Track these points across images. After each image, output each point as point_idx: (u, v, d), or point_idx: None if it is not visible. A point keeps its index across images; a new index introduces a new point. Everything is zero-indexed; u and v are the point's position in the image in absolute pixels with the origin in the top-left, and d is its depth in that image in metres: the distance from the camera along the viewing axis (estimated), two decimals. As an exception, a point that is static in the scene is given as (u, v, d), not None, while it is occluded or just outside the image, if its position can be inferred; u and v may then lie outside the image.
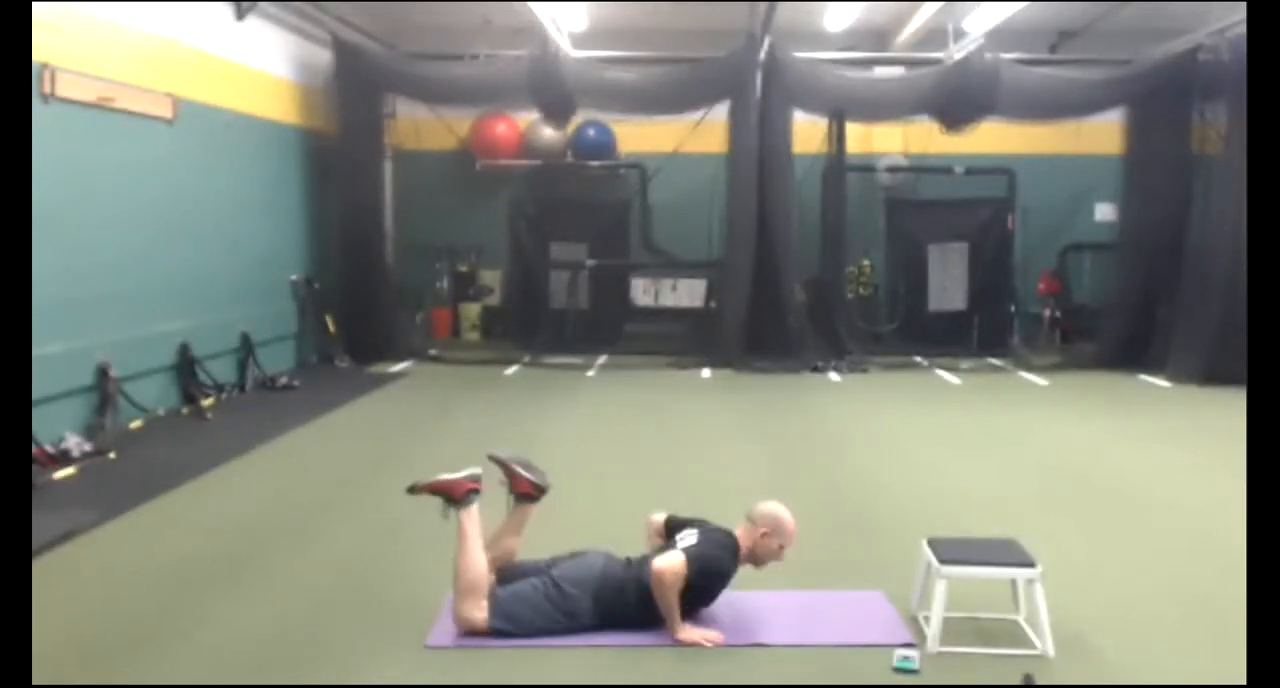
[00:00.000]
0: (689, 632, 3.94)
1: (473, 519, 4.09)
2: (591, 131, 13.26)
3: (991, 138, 12.24)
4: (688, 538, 4.11)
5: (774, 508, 4.17)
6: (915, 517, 5.58)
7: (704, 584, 4.01)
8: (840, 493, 6.21)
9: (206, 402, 8.65)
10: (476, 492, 4.14)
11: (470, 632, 3.94)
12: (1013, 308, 12.98)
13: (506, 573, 4.14)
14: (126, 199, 8.03)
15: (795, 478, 6.51)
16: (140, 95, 8.16)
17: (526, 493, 4.25)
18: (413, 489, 4.17)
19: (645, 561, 4.10)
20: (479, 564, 4.01)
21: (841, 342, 11.77)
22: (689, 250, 13.17)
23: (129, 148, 8.05)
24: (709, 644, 3.89)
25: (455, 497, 4.11)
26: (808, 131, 11.98)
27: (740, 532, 4.15)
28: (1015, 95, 11.42)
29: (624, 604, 4.00)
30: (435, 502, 4.15)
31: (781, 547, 4.12)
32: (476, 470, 4.20)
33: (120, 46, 7.93)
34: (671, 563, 3.94)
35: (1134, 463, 7.10)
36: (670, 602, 3.92)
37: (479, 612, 3.94)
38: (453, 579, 4.01)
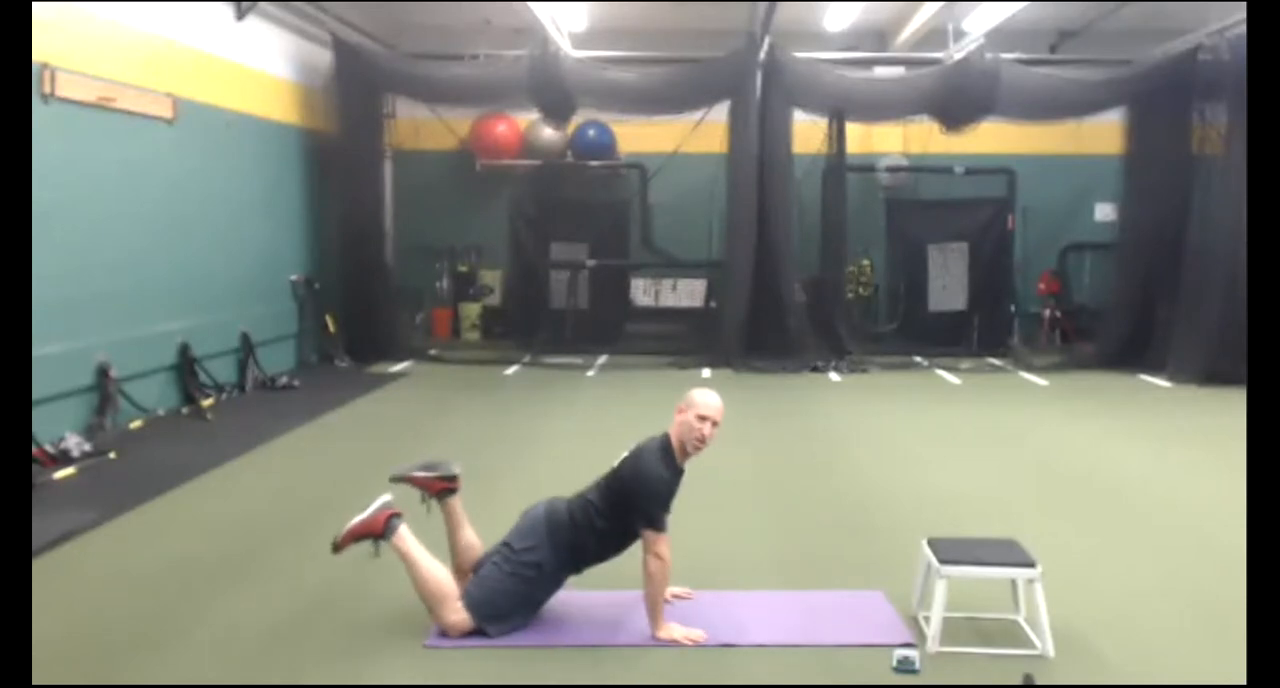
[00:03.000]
0: (670, 630, 3.94)
1: (406, 540, 4.03)
2: (591, 131, 13.26)
3: (991, 138, 12.25)
4: (619, 460, 4.07)
5: (695, 389, 4.11)
6: (915, 516, 5.59)
7: (656, 500, 3.92)
8: (840, 493, 6.20)
9: (206, 402, 8.65)
10: (397, 516, 4.08)
11: (458, 634, 3.93)
12: (1013, 308, 12.99)
13: (477, 566, 4.12)
14: (126, 199, 8.03)
15: (795, 478, 6.51)
16: (140, 95, 8.16)
17: (444, 489, 4.22)
18: (336, 548, 4.04)
19: (588, 491, 4.10)
20: (437, 574, 3.99)
21: (841, 341, 11.78)
22: (689, 250, 13.18)
23: (129, 148, 8.05)
24: (689, 643, 3.89)
25: (378, 533, 4.04)
26: (808, 132, 11.98)
27: (670, 429, 4.07)
28: (1015, 95, 11.43)
29: (579, 541, 3.99)
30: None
31: (701, 418, 3.97)
32: (386, 497, 4.13)
33: (120, 46, 7.93)
34: (652, 554, 3.87)
35: (1134, 463, 7.10)
36: (655, 600, 3.93)
37: (457, 615, 3.93)
38: (420, 599, 4.00)
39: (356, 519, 4.06)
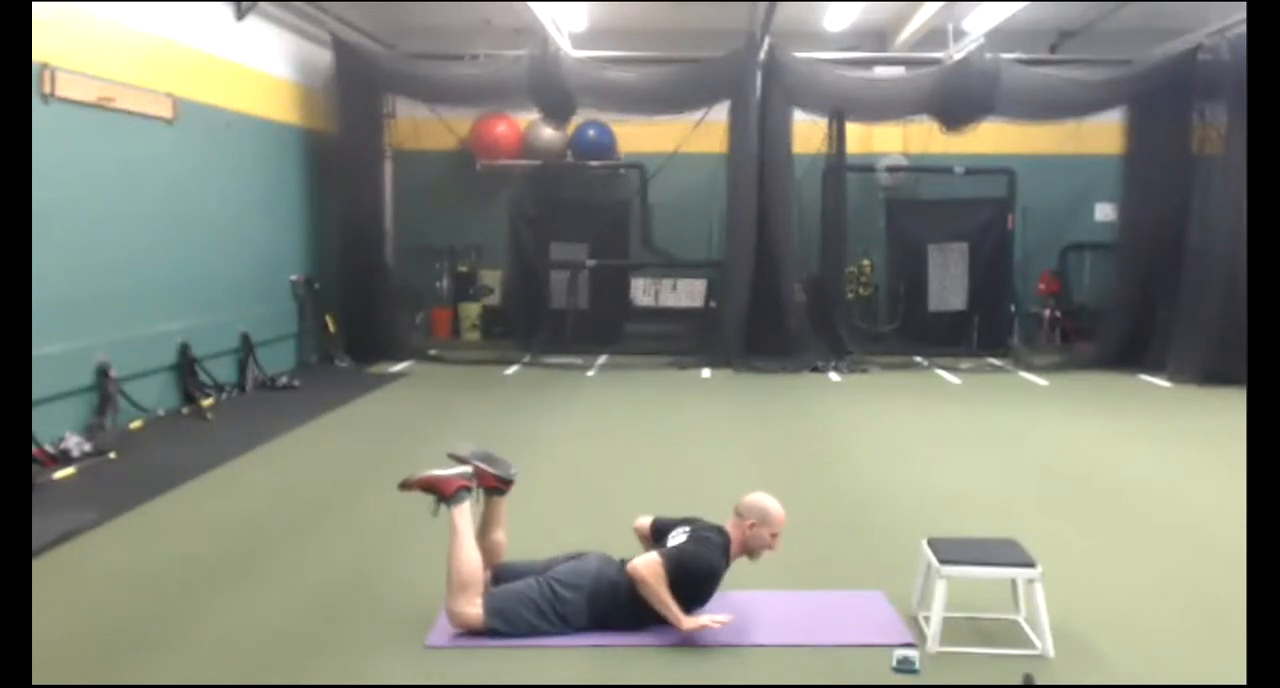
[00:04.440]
0: (693, 620, 3.91)
1: (464, 516, 4.09)
2: (591, 132, 13.26)
3: (991, 138, 12.25)
4: (677, 537, 4.11)
5: (758, 498, 4.15)
6: (915, 517, 5.59)
7: (688, 582, 3.97)
8: (840, 493, 6.21)
9: (206, 402, 8.65)
10: (468, 490, 4.14)
11: (464, 628, 3.94)
12: (1013, 308, 12.99)
13: (503, 573, 4.14)
14: (126, 199, 8.03)
15: (795, 478, 6.50)
16: (140, 95, 8.16)
17: (493, 487, 4.25)
18: (404, 485, 4.16)
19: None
20: (473, 560, 4.01)
21: (841, 342, 11.77)
22: (689, 250, 13.18)
23: (129, 148, 8.05)
24: (718, 625, 3.87)
25: (446, 494, 4.11)
26: (808, 131, 11.98)
27: (730, 526, 4.13)
28: (1015, 95, 11.43)
29: (616, 606, 3.99)
30: (430, 501, 4.16)
31: (774, 535, 4.09)
32: (468, 469, 4.20)
33: (120, 46, 7.93)
34: (645, 562, 3.94)
35: (1134, 463, 7.10)
36: (661, 599, 3.91)
37: (473, 608, 3.94)
38: (446, 576, 4.01)
39: (436, 472, 4.15)
